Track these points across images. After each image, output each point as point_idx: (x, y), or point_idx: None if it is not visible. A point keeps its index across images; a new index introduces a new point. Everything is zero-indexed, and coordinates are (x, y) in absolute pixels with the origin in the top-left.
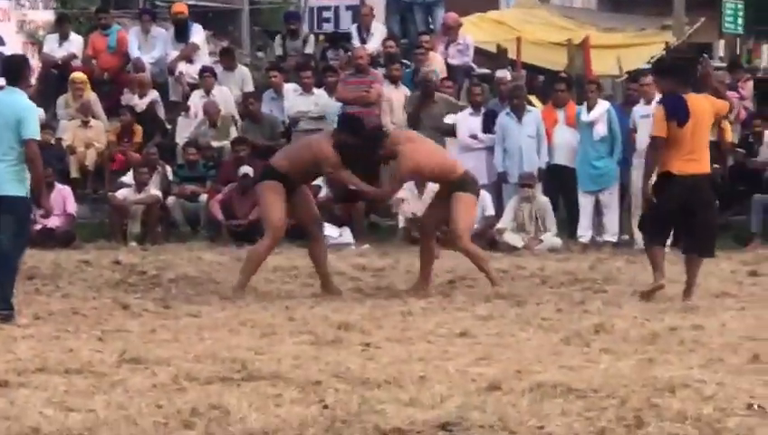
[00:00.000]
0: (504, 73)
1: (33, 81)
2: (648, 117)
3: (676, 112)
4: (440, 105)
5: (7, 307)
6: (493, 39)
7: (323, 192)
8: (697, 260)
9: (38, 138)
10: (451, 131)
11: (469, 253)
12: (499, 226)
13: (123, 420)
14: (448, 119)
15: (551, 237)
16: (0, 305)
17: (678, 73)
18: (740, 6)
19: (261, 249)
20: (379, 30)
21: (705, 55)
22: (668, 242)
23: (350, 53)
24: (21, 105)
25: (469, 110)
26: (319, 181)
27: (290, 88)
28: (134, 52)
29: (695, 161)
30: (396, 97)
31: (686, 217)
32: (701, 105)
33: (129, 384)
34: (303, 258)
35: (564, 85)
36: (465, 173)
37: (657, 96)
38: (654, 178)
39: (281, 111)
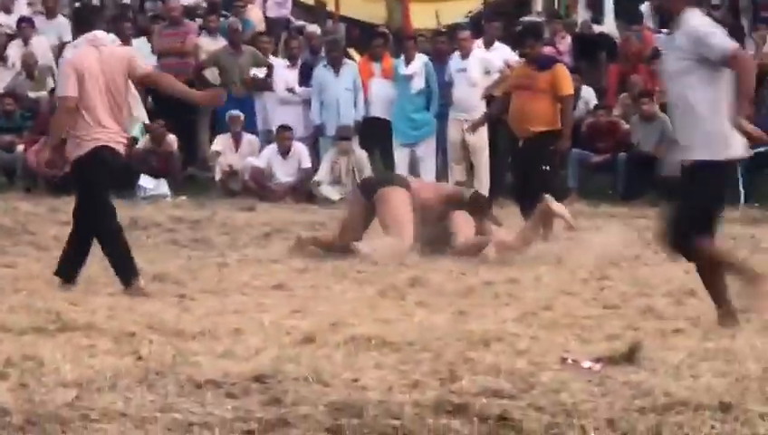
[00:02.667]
0: (314, 28)
1: None
2: (464, 71)
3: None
4: (246, 57)
5: None
6: None
7: (141, 142)
8: None
9: None
10: (266, 86)
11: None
12: (316, 178)
13: None
14: (256, 71)
15: None
16: None
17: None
18: None
19: None
20: None
21: None
22: None
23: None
24: None
25: (286, 62)
26: (136, 132)
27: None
28: None
29: None
30: (214, 48)
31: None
32: None
33: None
34: (120, 210)
35: (381, 39)
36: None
37: (476, 50)
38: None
39: None
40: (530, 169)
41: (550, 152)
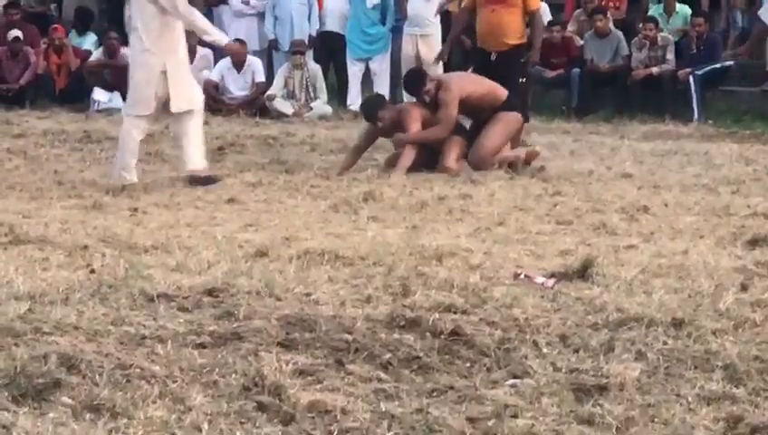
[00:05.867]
0: None
1: None
2: None
3: None
4: None
5: None
6: None
7: (94, 55)
8: None
9: None
10: None
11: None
12: (269, 92)
13: None
14: None
15: (321, 105)
16: None
17: None
18: None
19: None
20: None
21: None
22: None
23: None
24: None
25: None
26: (90, 46)
27: None
28: None
29: None
30: None
31: None
32: None
33: None
34: (73, 123)
35: None
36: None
37: None
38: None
39: None
40: (507, 84)
41: (522, 65)
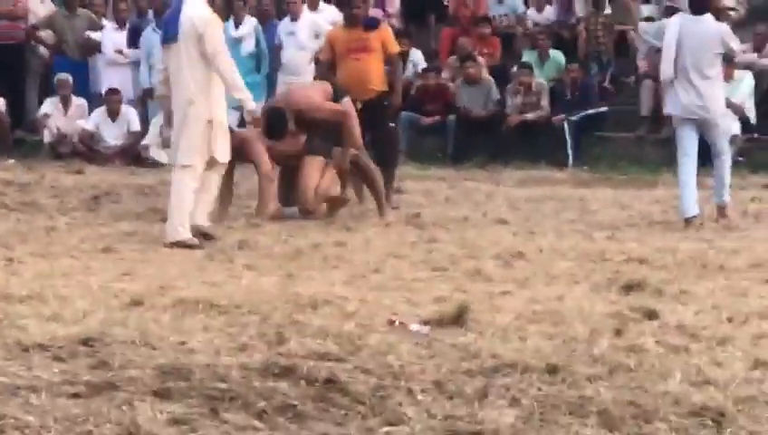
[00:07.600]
0: None
1: None
2: (293, 34)
3: None
4: (82, 20)
5: None
6: None
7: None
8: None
9: None
10: (96, 47)
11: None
12: (144, 142)
13: None
14: (91, 34)
15: None
16: None
17: None
18: None
19: None
20: None
21: None
22: None
23: None
24: None
25: (114, 24)
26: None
27: None
28: None
29: None
30: (43, 12)
31: None
32: None
33: None
34: None
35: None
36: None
37: (305, 13)
38: None
39: None
40: (377, 130)
41: (388, 109)
